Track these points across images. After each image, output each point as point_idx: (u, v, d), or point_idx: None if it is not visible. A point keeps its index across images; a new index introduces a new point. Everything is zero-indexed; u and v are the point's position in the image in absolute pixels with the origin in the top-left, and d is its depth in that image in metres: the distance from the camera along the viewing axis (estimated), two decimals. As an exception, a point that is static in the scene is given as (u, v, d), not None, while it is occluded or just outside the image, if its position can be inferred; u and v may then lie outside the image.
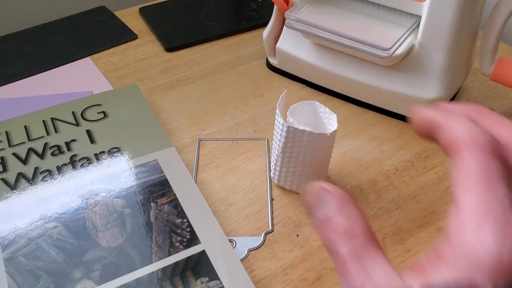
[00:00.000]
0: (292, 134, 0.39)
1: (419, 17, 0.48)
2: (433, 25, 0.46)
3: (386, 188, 0.45)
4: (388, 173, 0.46)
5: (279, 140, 0.41)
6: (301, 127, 0.39)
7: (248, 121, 0.51)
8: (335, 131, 0.40)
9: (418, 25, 0.47)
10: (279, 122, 0.40)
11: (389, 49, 0.45)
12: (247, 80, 0.57)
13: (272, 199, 0.44)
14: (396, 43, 0.46)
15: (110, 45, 0.62)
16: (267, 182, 0.45)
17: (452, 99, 0.54)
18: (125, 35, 0.63)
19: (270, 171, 0.46)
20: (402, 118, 0.51)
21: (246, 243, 0.40)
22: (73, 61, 0.59)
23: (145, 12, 0.67)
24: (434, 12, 0.45)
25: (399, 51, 0.46)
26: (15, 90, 0.55)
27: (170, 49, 0.61)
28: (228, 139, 0.49)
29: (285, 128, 0.39)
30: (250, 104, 0.54)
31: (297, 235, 0.41)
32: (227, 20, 0.66)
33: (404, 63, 0.48)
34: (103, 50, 0.61)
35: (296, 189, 0.44)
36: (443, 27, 0.45)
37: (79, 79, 0.56)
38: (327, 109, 0.41)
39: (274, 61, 0.57)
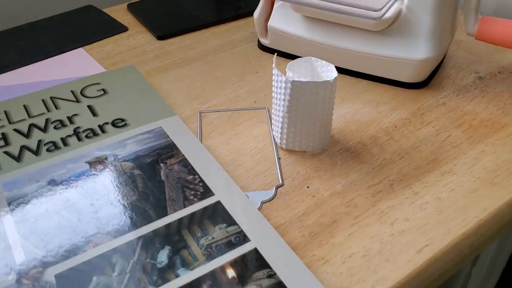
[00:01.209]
0: (297, 88, 0.40)
1: (404, -15, 0.50)
2: (419, -13, 0.48)
3: (387, 142, 0.46)
4: (387, 129, 0.47)
5: (283, 100, 0.42)
6: (304, 79, 0.40)
7: (247, 94, 0.52)
8: (336, 78, 0.41)
9: (404, -8, 0.50)
10: (281, 81, 0.41)
11: (380, 9, 0.47)
12: (240, 60, 0.58)
13: (279, 158, 0.44)
14: (385, 5, 0.48)
15: (101, 36, 0.62)
16: (272, 144, 0.46)
17: (440, 64, 0.56)
18: (116, 28, 0.64)
19: (274, 137, 0.46)
20: (394, 83, 0.53)
21: (258, 196, 0.40)
22: (66, 51, 0.59)
23: (133, 8, 0.68)
24: (419, -25, 0.48)
25: (388, 14, 0.49)
26: (8, 79, 0.55)
27: (161, 37, 0.62)
28: (229, 109, 0.50)
29: (289, 84, 0.40)
30: (246, 79, 0.55)
31: (308, 187, 0.41)
32: (215, 10, 0.68)
33: (393, 27, 0.50)
34: (95, 41, 0.61)
35: (305, 148, 0.44)
36: (428, -12, 0.48)
37: (73, 66, 0.56)
38: (324, 61, 0.43)
39: (265, 41, 0.59)
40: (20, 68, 0.56)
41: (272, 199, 0.40)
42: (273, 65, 0.42)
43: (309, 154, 0.45)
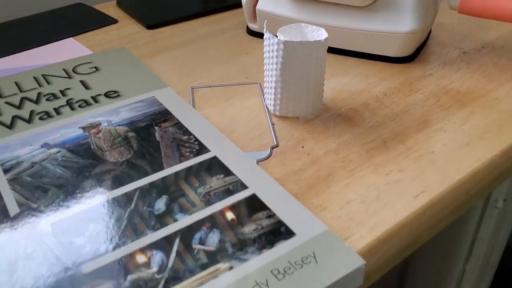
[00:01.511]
0: (290, 48, 0.41)
1: (386, -37, 0.52)
2: (401, -38, 0.50)
3: (378, 107, 0.46)
4: (377, 97, 0.48)
5: (276, 64, 0.43)
6: (296, 40, 0.41)
7: (238, 71, 0.53)
8: (327, 38, 0.42)
9: (387, -30, 0.52)
10: (273, 43, 0.42)
11: (366, -18, 0.49)
12: (230, 44, 0.59)
13: (273, 124, 0.45)
14: (370, -22, 0.49)
15: (91, 27, 0.63)
16: (265, 112, 0.46)
17: (424, 42, 0.57)
18: (106, 20, 0.65)
19: (267, 105, 0.47)
20: (381, 59, 0.54)
21: (254, 156, 0.40)
22: (56, 41, 0.60)
23: (122, 3, 0.69)
24: (401, -51, 0.49)
25: (373, -12, 0.50)
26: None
27: (151, 26, 0.63)
28: (221, 85, 0.51)
29: (281, 45, 0.41)
30: (237, 59, 0.55)
31: (302, 147, 0.42)
32: (203, 2, 0.69)
33: (378, 3, 0.52)
34: (85, 32, 0.62)
35: (299, 114, 0.45)
36: (410, -38, 0.49)
37: (64, 53, 0.57)
38: (314, 26, 0.44)
39: (254, 26, 0.60)
40: (11, 55, 0.57)
41: (268, 158, 0.40)
42: (264, 29, 0.43)
43: (302, 120, 0.45)
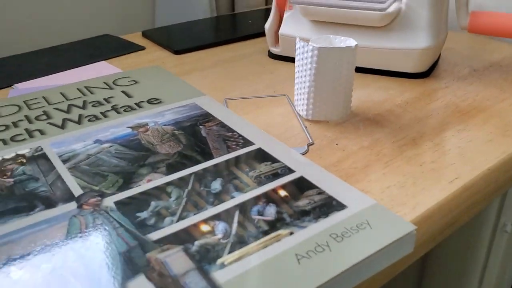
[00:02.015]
0: (323, 54, 0.45)
1: (400, -11, 0.57)
2: (415, -14, 0.55)
3: (402, 113, 0.50)
4: (400, 105, 0.51)
5: (309, 69, 0.46)
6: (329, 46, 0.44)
7: (265, 87, 0.56)
8: (357, 45, 0.45)
9: (400, -4, 0.56)
10: (307, 50, 0.46)
11: (385, 1, 0.53)
12: (254, 65, 0.63)
13: (305, 126, 0.47)
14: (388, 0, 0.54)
15: (121, 53, 0.66)
16: (296, 117, 0.49)
17: (436, 62, 0.62)
18: (133, 47, 0.69)
19: (298, 111, 0.50)
20: (399, 75, 0.58)
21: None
22: (88, 64, 0.63)
23: (147, 34, 0.74)
24: (414, -25, 0.54)
25: (391, 9, 0.55)
26: (36, 83, 0.57)
27: (178, 51, 0.67)
28: (252, 97, 0.54)
29: (316, 51, 0.45)
30: (262, 77, 0.59)
31: (337, 144, 0.44)
32: (226, 33, 0.74)
33: (395, 23, 0.56)
34: (115, 57, 0.66)
35: (330, 117, 0.48)
36: (423, -14, 0.54)
37: (99, 73, 0.60)
38: (342, 37, 0.48)
39: (276, 50, 0.64)
40: (47, 76, 0.60)
41: (305, 153, 0.43)
42: (297, 39, 0.47)
43: (333, 123, 0.48)
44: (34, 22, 0.80)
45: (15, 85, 0.57)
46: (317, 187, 0.35)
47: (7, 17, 0.76)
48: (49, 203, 0.34)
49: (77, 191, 0.35)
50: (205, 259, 0.29)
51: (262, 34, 0.73)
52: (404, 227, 0.31)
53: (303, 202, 0.34)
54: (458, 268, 0.91)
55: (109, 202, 0.34)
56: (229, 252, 0.29)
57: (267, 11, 0.87)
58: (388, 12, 0.54)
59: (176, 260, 0.29)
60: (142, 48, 0.69)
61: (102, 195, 0.35)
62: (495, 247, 0.89)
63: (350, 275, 0.29)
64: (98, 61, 0.64)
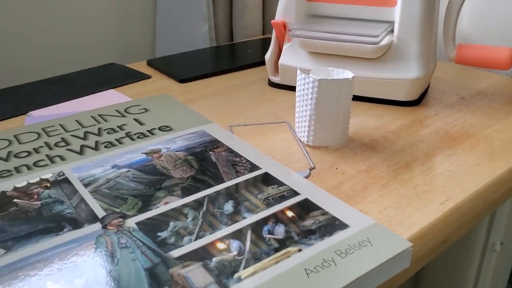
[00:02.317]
0: (323, 85, 0.48)
1: (391, 23, 0.61)
2: (406, 21, 0.59)
3: (396, 139, 0.53)
4: (394, 131, 0.55)
5: (310, 99, 0.50)
6: (328, 78, 0.48)
7: (267, 114, 0.60)
8: (353, 77, 0.49)
9: (392, 29, 0.61)
10: (308, 82, 0.49)
11: (378, 35, 0.57)
12: (256, 93, 0.66)
13: (307, 151, 0.51)
14: (381, 33, 0.58)
15: (128, 81, 0.70)
16: (298, 143, 0.53)
17: (426, 91, 0.66)
18: (140, 76, 0.72)
19: (299, 138, 0.53)
20: (391, 103, 0.62)
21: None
22: (97, 92, 0.66)
23: (152, 63, 0.77)
24: (405, 11, 0.59)
25: (383, 42, 0.59)
26: (49, 111, 0.60)
27: (183, 80, 0.70)
28: (255, 123, 0.57)
29: (316, 83, 0.49)
30: (264, 105, 0.63)
31: (336, 168, 0.48)
32: (227, 62, 0.78)
33: (387, 54, 0.60)
34: (123, 85, 0.69)
35: (330, 143, 0.51)
36: (414, 21, 0.59)
37: (109, 101, 0.63)
38: (339, 69, 0.51)
39: (276, 79, 0.68)
40: (58, 104, 0.63)
41: (308, 177, 0.46)
42: (298, 71, 0.51)
43: (332, 148, 0.51)
44: (37, 50, 0.83)
45: (30, 112, 0.60)
46: (321, 208, 0.38)
47: (14, 45, 0.80)
48: (76, 224, 0.37)
49: (100, 212, 0.38)
50: (223, 273, 0.32)
51: (261, 63, 0.77)
52: (402, 244, 0.35)
53: (309, 222, 0.37)
54: (449, 287, 0.94)
55: (131, 223, 0.37)
56: (245, 268, 0.32)
57: (264, 41, 0.91)
58: (380, 45, 0.58)
59: (197, 275, 0.32)
60: (148, 77, 0.72)
61: (124, 216, 0.38)
62: (485, 265, 0.92)
63: (354, 287, 0.32)
64: (107, 89, 0.67)
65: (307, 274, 0.32)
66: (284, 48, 0.66)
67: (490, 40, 0.75)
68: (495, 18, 0.74)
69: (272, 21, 0.66)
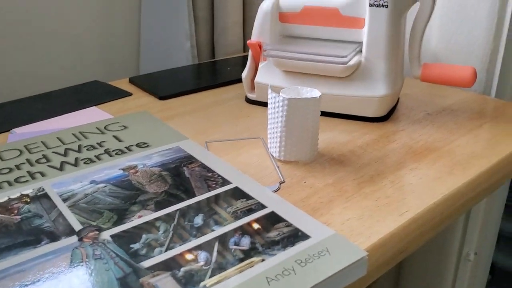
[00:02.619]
0: (293, 104, 0.51)
1: (359, 43, 0.65)
2: (373, 42, 0.62)
3: (363, 153, 0.56)
4: (361, 146, 0.58)
5: (281, 117, 0.52)
6: (297, 97, 0.51)
7: (242, 130, 0.63)
8: (321, 95, 0.52)
9: (360, 49, 0.64)
10: (279, 100, 0.52)
11: (346, 56, 0.61)
12: (233, 110, 0.69)
13: (278, 166, 0.54)
14: (350, 54, 0.61)
15: (109, 99, 0.72)
16: (270, 158, 0.55)
17: (394, 107, 0.69)
18: (121, 93, 0.75)
19: (271, 153, 0.56)
20: (361, 119, 0.65)
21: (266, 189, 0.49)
22: (80, 109, 0.69)
23: (134, 80, 0.80)
24: (372, 33, 0.62)
25: (352, 62, 0.62)
26: (32, 128, 0.63)
27: (163, 97, 0.73)
28: (230, 139, 0.60)
29: (286, 101, 0.51)
30: (240, 120, 0.65)
31: (305, 182, 0.50)
32: (207, 79, 0.80)
33: (356, 73, 0.64)
34: (105, 103, 0.71)
35: (300, 158, 0.54)
36: (380, 42, 0.62)
37: (90, 118, 0.65)
38: (308, 88, 0.54)
39: (252, 96, 0.71)
40: (42, 121, 0.65)
41: (277, 190, 0.49)
42: (269, 91, 0.53)
43: (302, 163, 0.54)
44: (21, 68, 0.85)
45: (13, 130, 0.62)
46: (285, 221, 0.41)
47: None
48: (53, 237, 0.39)
49: (77, 226, 0.40)
50: (190, 282, 0.34)
51: (240, 80, 0.79)
52: (358, 253, 0.37)
53: (274, 234, 0.39)
54: (426, 297, 0.97)
55: (106, 235, 0.39)
56: (210, 277, 0.35)
57: (244, 58, 0.94)
58: (349, 65, 0.61)
59: (166, 284, 0.34)
60: (129, 94, 0.75)
61: (100, 229, 0.40)
62: (460, 275, 0.95)
63: (312, 294, 0.34)
64: (89, 107, 0.70)
65: (268, 282, 0.34)
66: (260, 66, 0.69)
67: (457, 58, 0.79)
68: (462, 37, 0.78)
69: (248, 41, 0.69)
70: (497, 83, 0.78)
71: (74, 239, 0.39)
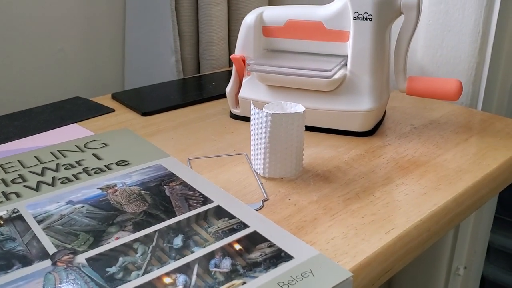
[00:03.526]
0: (276, 119, 0.50)
1: (344, 57, 0.64)
2: (358, 56, 0.62)
3: (349, 169, 0.55)
4: (347, 161, 0.57)
5: (265, 133, 0.51)
6: (281, 112, 0.50)
7: (226, 146, 0.61)
8: (305, 110, 0.51)
9: (345, 63, 0.63)
10: (262, 116, 0.51)
11: (331, 70, 0.60)
12: (216, 126, 0.68)
13: (261, 183, 0.52)
14: (334, 68, 0.61)
15: (91, 115, 0.71)
16: (254, 175, 0.54)
17: (381, 121, 0.68)
18: (103, 109, 0.73)
19: (255, 170, 0.55)
20: (346, 133, 0.64)
21: (249, 207, 0.47)
22: (60, 127, 0.67)
23: (116, 96, 0.78)
24: (357, 46, 0.61)
25: (337, 76, 0.61)
26: (11, 146, 0.61)
27: (145, 113, 0.71)
28: (214, 156, 0.59)
29: (269, 117, 0.50)
30: (224, 137, 0.64)
31: (289, 199, 0.49)
32: (191, 95, 0.79)
33: (341, 88, 0.63)
34: (86, 119, 0.70)
35: (284, 174, 0.53)
36: (365, 56, 0.61)
37: (71, 135, 0.64)
38: (292, 103, 0.53)
39: (236, 111, 0.70)
40: (21, 139, 0.63)
41: (260, 208, 0.48)
42: (252, 106, 0.52)
43: (286, 179, 0.53)
44: (1, 84, 0.84)
45: (-10, 148, 0.60)
46: (268, 241, 0.40)
47: (-18, 81, 0.80)
48: (26, 261, 0.37)
49: (51, 249, 0.39)
50: (167, 308, 0.32)
51: (224, 95, 0.78)
52: (342, 274, 0.36)
53: (255, 255, 0.38)
54: (416, 312, 0.95)
55: (81, 259, 0.37)
56: (189, 302, 0.33)
57: (229, 73, 0.93)
58: (334, 79, 0.61)
59: (141, 310, 0.32)
60: (111, 111, 0.73)
61: (75, 252, 0.38)
62: (450, 289, 0.94)
63: (295, 318, 0.33)
64: (70, 124, 0.68)
65: (249, 306, 0.33)
66: (244, 81, 0.68)
67: (443, 70, 0.79)
68: (448, 50, 0.77)
69: (231, 56, 0.68)
70: (483, 96, 0.78)
71: (47, 263, 0.37)
